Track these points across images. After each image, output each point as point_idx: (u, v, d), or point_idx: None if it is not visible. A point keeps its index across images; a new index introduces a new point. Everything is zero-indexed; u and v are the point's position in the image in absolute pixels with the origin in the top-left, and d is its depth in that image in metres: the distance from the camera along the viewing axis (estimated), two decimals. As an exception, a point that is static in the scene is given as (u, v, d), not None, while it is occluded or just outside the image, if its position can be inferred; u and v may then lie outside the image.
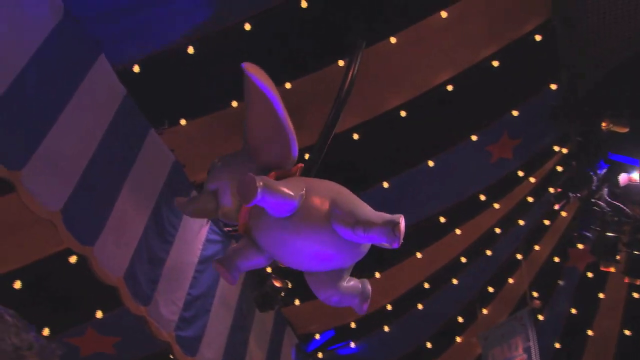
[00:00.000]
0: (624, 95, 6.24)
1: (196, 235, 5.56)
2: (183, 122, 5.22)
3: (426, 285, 7.73)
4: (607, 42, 6.10)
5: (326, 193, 2.90)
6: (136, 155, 4.81)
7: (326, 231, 2.79)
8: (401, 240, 2.67)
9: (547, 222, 7.99)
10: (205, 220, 5.61)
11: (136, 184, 4.71)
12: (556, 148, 7.11)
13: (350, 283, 3.06)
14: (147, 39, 4.77)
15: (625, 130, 6.19)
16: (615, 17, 5.90)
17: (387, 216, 2.73)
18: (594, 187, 6.60)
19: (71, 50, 4.26)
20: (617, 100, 6.27)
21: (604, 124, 6.19)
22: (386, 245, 2.74)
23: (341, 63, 5.24)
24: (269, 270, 5.97)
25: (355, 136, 5.99)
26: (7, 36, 3.68)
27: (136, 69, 4.79)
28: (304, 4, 4.86)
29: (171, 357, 5.16)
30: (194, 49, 4.82)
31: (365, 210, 2.84)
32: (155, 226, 4.92)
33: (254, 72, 2.86)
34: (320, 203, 2.83)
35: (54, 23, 4.10)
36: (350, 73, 4.69)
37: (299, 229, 2.81)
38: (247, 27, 4.82)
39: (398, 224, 2.65)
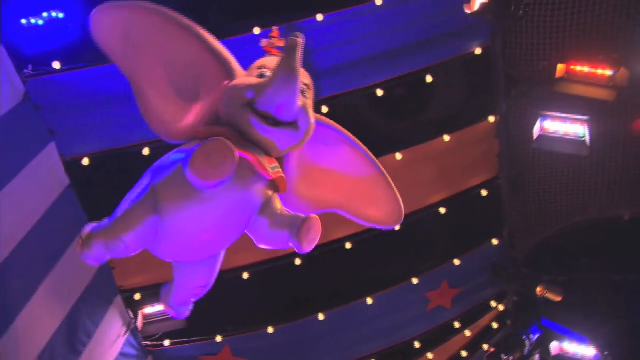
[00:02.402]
0: (563, 263, 6.37)
1: (110, 347, 5.09)
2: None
3: None
4: (547, 211, 6.39)
5: None
6: (64, 250, 4.50)
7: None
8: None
9: (480, 382, 7.77)
10: (123, 330, 5.20)
11: (56, 283, 4.37)
12: (493, 304, 7.11)
13: None
14: (103, 136, 4.70)
15: (559, 299, 6.19)
16: (554, 192, 6.25)
17: None
18: (525, 352, 6.49)
19: (22, 134, 4.14)
20: (556, 267, 6.39)
21: (539, 290, 6.21)
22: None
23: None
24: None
25: (298, 261, 5.88)
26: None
27: (85, 162, 4.68)
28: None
29: None
30: (150, 150, 4.75)
31: None
32: (66, 333, 4.50)
33: None
34: None
35: (12, 105, 4.00)
36: None
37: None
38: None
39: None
